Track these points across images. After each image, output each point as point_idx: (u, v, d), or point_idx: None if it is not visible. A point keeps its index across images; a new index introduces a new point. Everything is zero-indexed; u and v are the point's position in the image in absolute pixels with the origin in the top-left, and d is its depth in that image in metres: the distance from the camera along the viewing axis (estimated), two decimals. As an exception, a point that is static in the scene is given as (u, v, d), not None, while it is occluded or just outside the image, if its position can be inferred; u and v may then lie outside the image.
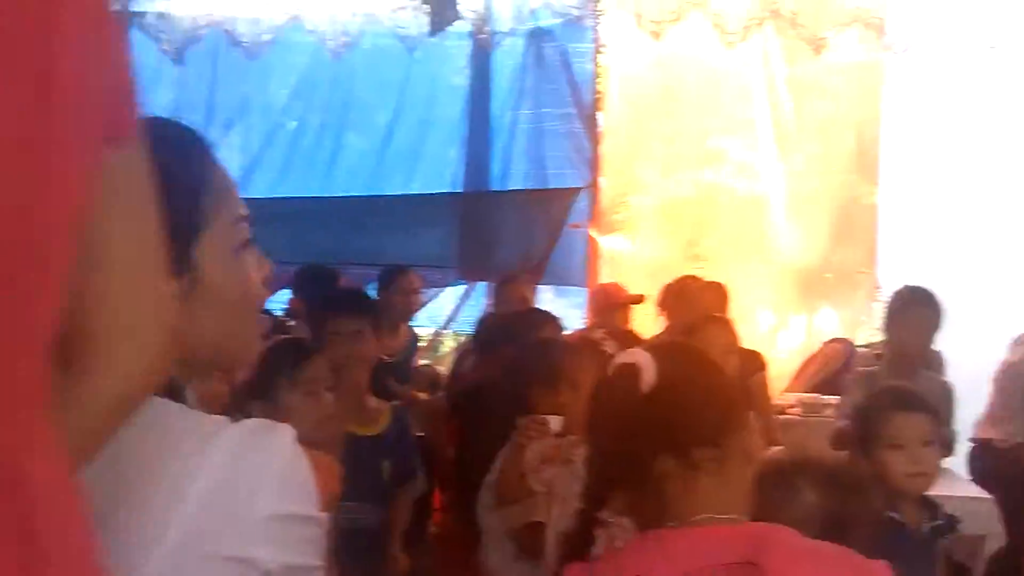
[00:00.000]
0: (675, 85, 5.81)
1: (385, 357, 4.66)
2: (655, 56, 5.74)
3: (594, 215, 5.72)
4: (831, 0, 5.58)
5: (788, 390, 5.45)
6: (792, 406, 4.96)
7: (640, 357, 1.48)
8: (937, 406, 3.65)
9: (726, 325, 3.69)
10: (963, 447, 4.77)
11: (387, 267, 5.22)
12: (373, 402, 3.32)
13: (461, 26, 5.71)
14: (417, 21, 5.54)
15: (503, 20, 5.77)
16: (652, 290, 5.03)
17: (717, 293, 4.57)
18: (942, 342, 4.58)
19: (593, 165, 5.72)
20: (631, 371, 1.46)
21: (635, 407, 1.45)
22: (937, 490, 2.61)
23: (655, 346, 1.52)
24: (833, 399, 4.66)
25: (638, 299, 5.04)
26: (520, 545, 2.87)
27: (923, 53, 5.62)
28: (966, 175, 5.91)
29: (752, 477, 1.51)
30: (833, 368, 5.35)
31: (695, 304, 4.28)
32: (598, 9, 5.65)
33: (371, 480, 3.13)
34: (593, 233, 5.73)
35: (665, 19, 5.50)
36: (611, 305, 5.09)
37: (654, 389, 1.44)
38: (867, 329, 5.82)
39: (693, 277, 4.82)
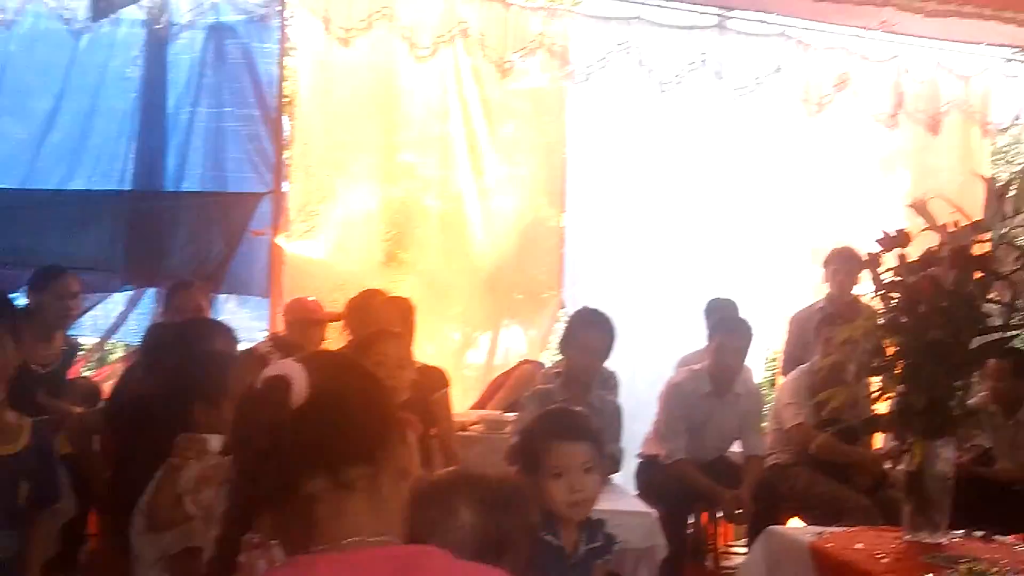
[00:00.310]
0: (368, 95, 5.71)
1: (35, 367, 4.30)
2: (347, 64, 5.62)
3: (278, 223, 5.48)
4: (517, 25, 5.75)
5: (475, 407, 5.50)
6: (475, 423, 5.00)
7: (290, 369, 1.36)
8: (605, 426, 3.82)
9: (399, 339, 3.64)
10: (632, 463, 5.03)
11: (41, 268, 4.78)
12: (11, 417, 3.01)
13: (135, 14, 5.32)
14: (84, 4, 5.11)
15: (181, 11, 5.44)
16: (338, 303, 4.91)
17: (401, 308, 4.50)
18: (617, 362, 4.80)
19: (277, 170, 5.48)
20: (280, 384, 1.35)
21: (284, 423, 1.33)
22: (605, 504, 2.68)
23: (308, 358, 1.41)
24: (514, 416, 4.73)
25: (336, 317, 4.87)
26: (174, 573, 2.69)
27: (602, 83, 5.93)
28: (642, 203, 6.25)
29: (407, 496, 1.44)
30: (525, 389, 5.44)
31: (377, 319, 4.18)
32: (285, 10, 5.46)
33: (5, 503, 2.87)
34: (277, 241, 5.49)
35: (354, 27, 5.44)
36: (306, 321, 4.92)
37: (305, 403, 1.34)
38: (553, 349, 6.01)
39: (376, 291, 4.73)
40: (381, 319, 4.11)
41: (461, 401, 5.39)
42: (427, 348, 5.33)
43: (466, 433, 4.72)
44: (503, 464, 3.90)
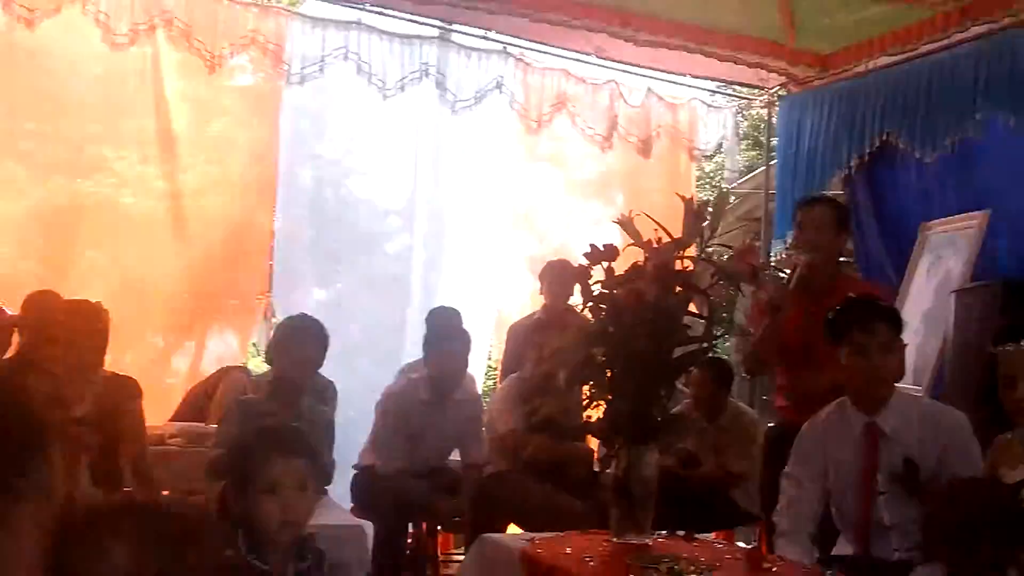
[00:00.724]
0: (55, 81, 5.26)
1: None
2: (32, 46, 5.14)
3: (-57, 216, 4.90)
4: (228, 20, 5.47)
5: (175, 418, 5.14)
6: (173, 436, 4.66)
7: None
8: (317, 437, 3.65)
9: (70, 347, 3.30)
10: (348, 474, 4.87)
11: None
12: None
13: None
14: None
15: None
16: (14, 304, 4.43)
17: (85, 312, 4.06)
18: (335, 370, 4.63)
19: (-54, 161, 4.92)
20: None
21: None
22: (313, 519, 2.55)
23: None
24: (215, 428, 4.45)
25: (17, 321, 4.34)
26: None
27: (320, 85, 5.75)
28: (361, 209, 6.13)
29: (50, 529, 1.23)
30: (234, 398, 5.15)
31: (55, 324, 3.74)
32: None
33: None
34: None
35: (40, 7, 4.98)
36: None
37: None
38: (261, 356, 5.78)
39: (52, 293, 4.30)
40: (59, 324, 3.70)
41: (163, 412, 5.06)
42: (125, 356, 4.94)
43: (163, 447, 4.39)
44: (203, 479, 3.69)
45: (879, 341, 3.33)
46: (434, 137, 6.19)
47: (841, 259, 4.58)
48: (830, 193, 5.88)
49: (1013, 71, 4.89)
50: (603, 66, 6.56)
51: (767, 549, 3.37)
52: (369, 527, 4.43)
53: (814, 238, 4.19)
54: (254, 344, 6.66)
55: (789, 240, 6.13)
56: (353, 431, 5.03)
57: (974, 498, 2.25)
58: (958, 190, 5.33)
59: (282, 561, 2.40)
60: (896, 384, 3.46)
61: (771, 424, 4.68)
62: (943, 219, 5.27)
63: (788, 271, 4.12)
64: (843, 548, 3.48)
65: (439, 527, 5.19)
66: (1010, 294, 4.09)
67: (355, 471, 4.97)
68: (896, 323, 3.44)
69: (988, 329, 3.63)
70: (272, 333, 4.81)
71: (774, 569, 2.92)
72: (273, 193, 5.82)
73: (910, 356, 3.90)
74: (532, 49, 6.39)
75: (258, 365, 5.86)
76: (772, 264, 6.07)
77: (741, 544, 4.38)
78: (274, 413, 3.86)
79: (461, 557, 5.31)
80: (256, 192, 5.80)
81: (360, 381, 5.65)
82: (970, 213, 5.07)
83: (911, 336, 3.96)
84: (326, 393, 4.65)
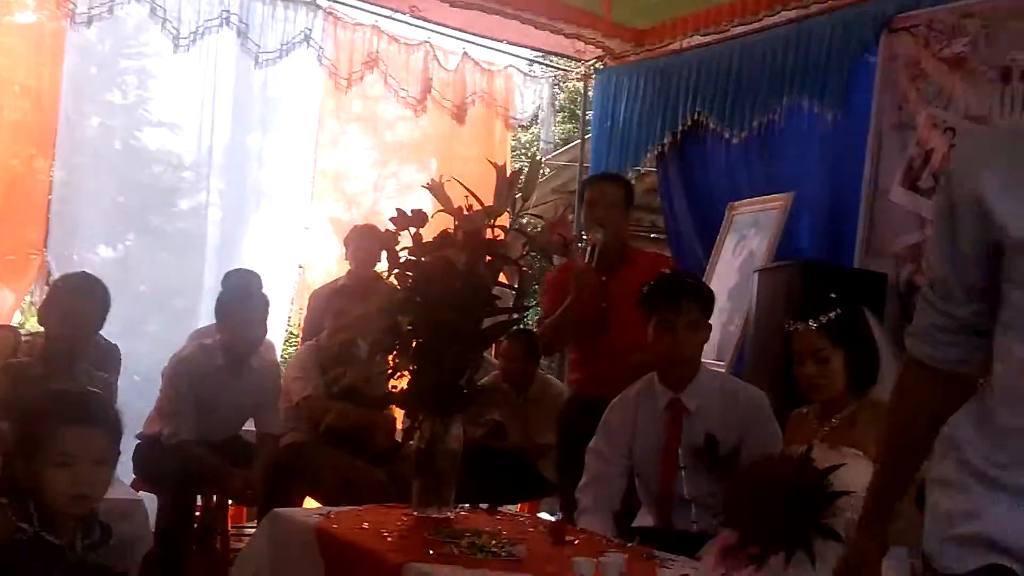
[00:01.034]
0: None
1: None
2: None
3: None
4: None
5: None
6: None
7: None
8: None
9: None
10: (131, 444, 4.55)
11: None
12: None
13: None
14: None
15: None
16: None
17: None
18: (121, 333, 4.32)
19: None
20: None
21: None
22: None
23: None
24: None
25: None
26: None
27: (109, 28, 5.31)
28: (153, 163, 5.73)
29: None
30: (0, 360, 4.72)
31: None
32: None
33: None
34: None
35: None
36: None
37: None
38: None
39: None
40: None
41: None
42: None
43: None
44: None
45: (685, 319, 3.35)
46: (235, 89, 5.84)
47: (653, 235, 4.66)
48: (643, 169, 5.95)
49: (818, 58, 5.04)
50: (417, 26, 6.36)
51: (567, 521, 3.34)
52: (153, 500, 4.18)
53: (604, 215, 4.20)
54: (32, 303, 6.15)
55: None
56: (137, 398, 4.70)
57: (779, 477, 2.25)
58: (764, 172, 5.47)
59: (70, 535, 2.26)
60: (702, 360, 3.50)
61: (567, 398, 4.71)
62: (749, 199, 5.40)
63: (589, 248, 4.12)
64: (644, 519, 3.51)
65: (230, 500, 4.92)
66: (809, 275, 4.20)
67: (139, 440, 4.65)
68: (706, 301, 3.47)
69: (788, 308, 3.71)
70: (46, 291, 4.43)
71: (577, 542, 2.90)
72: (53, 141, 5.33)
73: (715, 333, 3.97)
74: (342, 3, 6.12)
75: (36, 325, 5.40)
76: (584, 238, 6.10)
77: (546, 515, 4.36)
78: (46, 377, 3.55)
79: (254, 530, 5.07)
80: (34, 139, 5.30)
81: (149, 345, 5.33)
82: (774, 195, 5.20)
83: (717, 313, 4.03)
84: (109, 357, 4.32)
